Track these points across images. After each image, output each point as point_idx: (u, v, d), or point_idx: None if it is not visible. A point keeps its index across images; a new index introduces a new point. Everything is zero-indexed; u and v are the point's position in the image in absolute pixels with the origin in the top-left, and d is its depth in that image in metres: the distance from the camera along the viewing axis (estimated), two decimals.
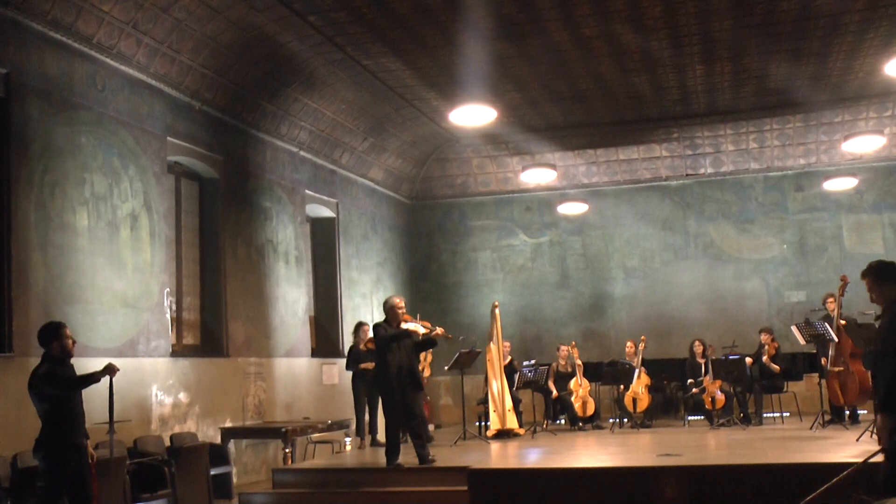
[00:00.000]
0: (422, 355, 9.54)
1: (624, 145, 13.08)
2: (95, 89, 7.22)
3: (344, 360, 10.33)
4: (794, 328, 8.96)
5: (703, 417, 10.33)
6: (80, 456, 5.10)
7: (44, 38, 6.67)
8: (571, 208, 12.95)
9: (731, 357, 9.97)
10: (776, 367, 10.13)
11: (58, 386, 5.11)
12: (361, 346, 9.30)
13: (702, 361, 10.37)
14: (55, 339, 5.20)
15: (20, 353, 6.18)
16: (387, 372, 7.01)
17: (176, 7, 7.53)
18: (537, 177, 12.25)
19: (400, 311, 7.20)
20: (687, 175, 13.22)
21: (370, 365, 8.87)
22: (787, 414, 10.77)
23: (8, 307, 6.21)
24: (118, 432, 5.83)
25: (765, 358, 10.14)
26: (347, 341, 11.06)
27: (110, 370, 5.13)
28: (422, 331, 7.37)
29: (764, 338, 10.37)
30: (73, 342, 5.25)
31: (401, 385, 6.97)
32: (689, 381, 10.43)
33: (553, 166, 11.95)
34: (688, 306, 12.92)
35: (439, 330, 7.34)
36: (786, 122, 12.50)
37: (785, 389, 10.37)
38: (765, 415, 10.25)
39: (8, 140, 6.39)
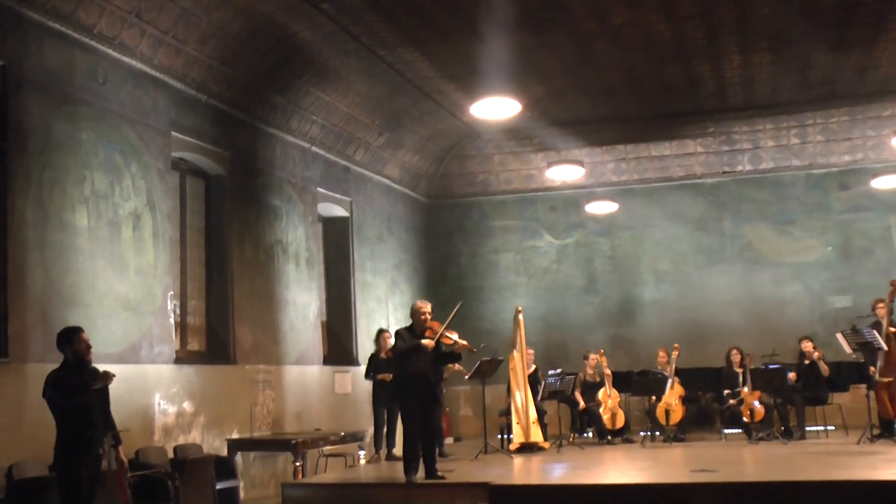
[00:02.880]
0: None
1: (655, 141, 13.05)
2: (97, 82, 7.24)
3: (358, 368, 10.38)
4: (839, 336, 8.86)
5: (740, 431, 10.26)
6: (94, 465, 5.07)
7: (42, 28, 6.70)
8: (599, 208, 12.89)
9: (770, 366, 9.88)
10: (826, 368, 9.95)
11: (58, 393, 5.13)
12: (382, 355, 9.33)
13: (739, 371, 10.30)
14: (68, 343, 5.28)
15: (16, 359, 6.21)
16: (405, 383, 6.99)
17: None
18: (563, 174, 12.20)
19: (423, 318, 7.15)
20: (723, 173, 13.14)
21: (388, 376, 8.88)
22: (832, 428, 10.66)
23: (4, 310, 6.24)
24: (122, 439, 5.78)
25: (816, 355, 9.96)
26: (361, 347, 11.15)
27: (105, 378, 5.13)
28: (452, 338, 7.26)
29: (806, 345, 10.23)
30: (89, 347, 5.30)
31: (419, 397, 6.95)
32: (726, 391, 10.36)
33: (580, 163, 11.90)
34: (723, 312, 12.82)
35: (463, 344, 7.24)
36: (830, 116, 12.38)
37: (829, 401, 10.26)
38: (807, 428, 10.14)
39: (5, 136, 6.42)
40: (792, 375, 9.99)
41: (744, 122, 12.55)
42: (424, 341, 7.00)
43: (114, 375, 5.21)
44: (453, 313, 7.22)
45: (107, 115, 7.31)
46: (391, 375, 8.76)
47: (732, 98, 11.83)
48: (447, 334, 7.18)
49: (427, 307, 7.23)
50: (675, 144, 13.07)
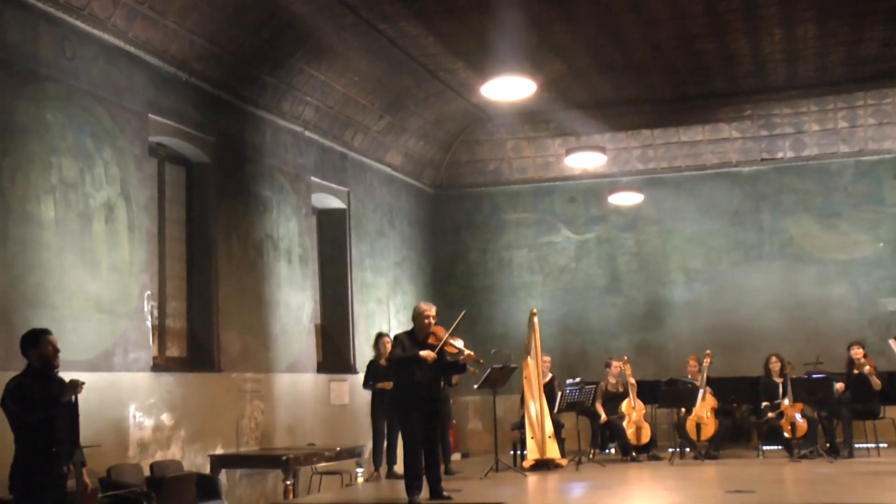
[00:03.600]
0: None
1: (686, 125, 12.99)
2: (64, 58, 7.18)
3: (356, 377, 10.36)
4: (892, 342, 8.81)
5: (780, 447, 10.29)
6: (58, 487, 4.99)
7: None
8: (623, 199, 12.88)
9: (814, 376, 9.90)
10: (878, 382, 9.85)
11: (19, 404, 5.03)
12: (382, 361, 9.38)
13: (779, 381, 10.31)
14: (33, 346, 5.21)
15: None
16: (405, 394, 7.01)
17: None
18: (583, 162, 12.21)
19: (427, 322, 7.14)
20: (762, 160, 13.08)
21: (388, 385, 8.86)
22: (884, 445, 10.62)
23: None
24: (87, 460, 5.71)
25: (867, 368, 9.86)
26: (359, 354, 11.14)
27: (73, 387, 5.02)
28: (457, 346, 7.21)
29: (856, 352, 10.14)
30: (56, 350, 5.22)
31: (421, 409, 6.98)
32: (764, 403, 10.36)
33: (602, 149, 11.89)
34: (761, 315, 12.78)
35: (469, 353, 7.19)
36: (883, 97, 12.28)
37: (881, 415, 10.20)
38: (856, 445, 10.12)
39: None
40: (839, 386, 9.95)
41: (785, 103, 12.47)
42: (423, 353, 6.96)
43: (83, 384, 5.11)
44: (456, 322, 7.21)
45: (76, 94, 7.25)
46: (391, 384, 8.73)
47: (773, 77, 11.75)
48: (451, 342, 7.15)
49: (431, 310, 7.22)
50: (708, 129, 13.01)
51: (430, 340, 7.15)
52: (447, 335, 7.13)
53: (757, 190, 13.06)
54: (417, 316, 7.20)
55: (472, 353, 7.18)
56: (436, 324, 7.24)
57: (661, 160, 13.38)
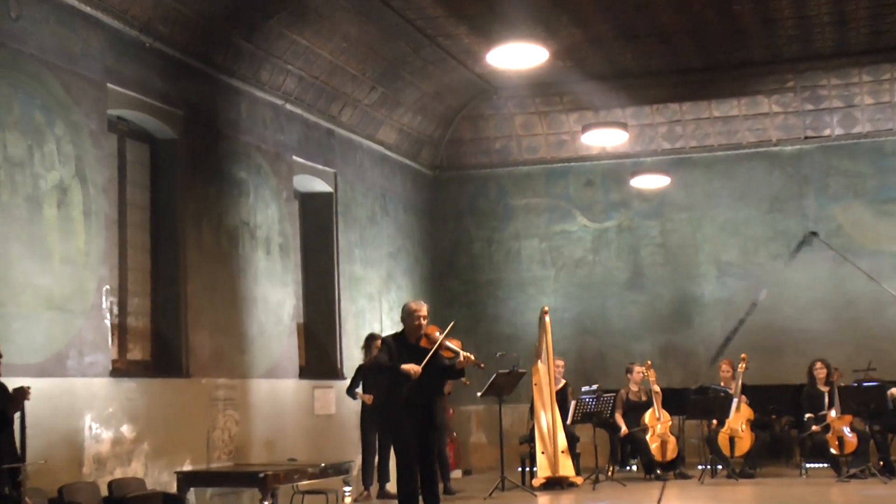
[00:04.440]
0: None
1: (719, 98, 12.96)
2: (8, 18, 7.11)
3: (343, 384, 10.37)
4: None
5: (826, 465, 10.32)
6: None
7: None
8: (647, 182, 12.86)
9: (865, 384, 9.93)
10: None
11: None
12: None
13: (825, 389, 10.34)
14: None
15: None
16: (395, 403, 7.05)
17: None
18: (602, 140, 12.21)
19: (417, 323, 7.17)
20: (806, 138, 13.05)
21: (368, 398, 9.08)
22: None
23: None
24: (34, 478, 5.68)
25: None
26: (347, 357, 11.13)
27: (20, 397, 4.96)
28: (453, 348, 7.22)
29: None
30: None
31: (413, 421, 7.01)
32: (808, 415, 10.40)
33: (623, 126, 11.87)
34: (805, 315, 12.77)
35: (466, 356, 7.15)
36: None
37: None
38: None
39: None
40: (893, 392, 9.87)
41: (833, 73, 12.43)
42: (405, 367, 6.96)
43: (28, 390, 5.05)
44: (447, 331, 7.21)
45: (22, 60, 7.19)
46: (370, 398, 8.74)
47: (819, 43, 11.70)
48: (447, 344, 7.14)
49: (422, 309, 7.24)
50: (744, 103, 12.95)
51: (423, 343, 7.15)
52: (442, 337, 7.11)
53: (800, 172, 13.03)
54: (407, 316, 7.23)
55: (472, 356, 7.15)
56: (429, 324, 7.25)
57: (691, 138, 13.34)
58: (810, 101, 12.80)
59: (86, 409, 7.52)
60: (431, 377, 7.15)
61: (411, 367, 6.94)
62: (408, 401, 7.03)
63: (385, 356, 7.05)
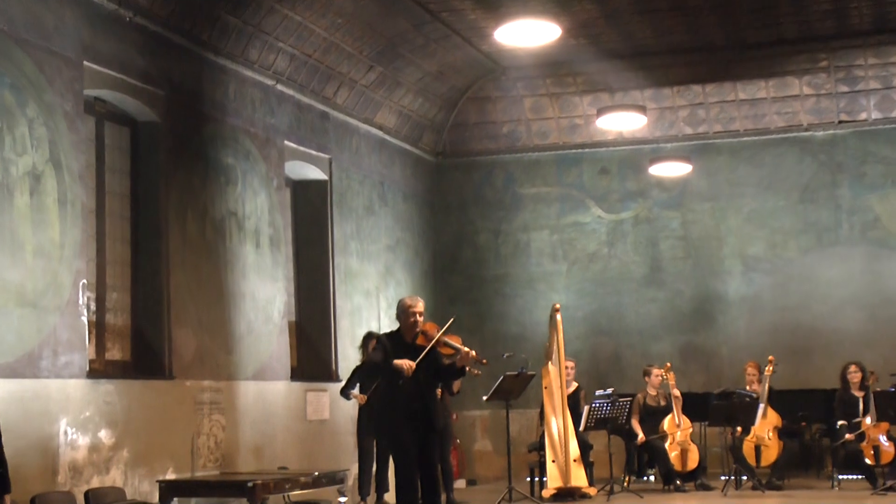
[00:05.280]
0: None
1: (746, 79, 12.94)
2: None
3: (337, 386, 10.41)
4: None
5: (860, 477, 10.33)
6: None
7: None
8: (667, 170, 12.89)
9: None
10: None
11: None
12: None
13: (860, 395, 10.34)
14: None
15: None
16: (392, 407, 7.03)
17: None
18: (619, 124, 12.27)
19: (413, 320, 7.19)
20: (840, 122, 13.04)
21: (362, 398, 9.11)
22: None
23: None
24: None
25: None
26: (343, 358, 11.13)
27: None
28: (453, 345, 7.23)
29: None
30: None
31: (412, 426, 7.02)
32: (841, 422, 10.41)
33: (641, 109, 11.89)
34: (838, 314, 12.77)
35: (467, 351, 7.17)
36: None
37: None
38: None
39: None
40: None
41: (871, 51, 12.39)
42: (398, 362, 6.96)
43: None
44: (445, 326, 7.24)
45: None
46: (364, 398, 8.77)
47: (855, 18, 11.65)
48: (446, 341, 7.16)
49: (418, 305, 7.26)
50: (773, 84, 12.93)
51: (419, 342, 7.17)
52: (439, 333, 7.13)
53: (833, 159, 13.03)
54: (402, 313, 7.25)
55: (473, 352, 7.18)
56: (426, 321, 7.28)
57: (714, 122, 13.33)
58: (845, 83, 12.76)
59: (60, 413, 7.50)
60: (430, 377, 7.17)
61: (404, 363, 6.93)
62: (405, 404, 7.04)
63: (379, 355, 7.07)
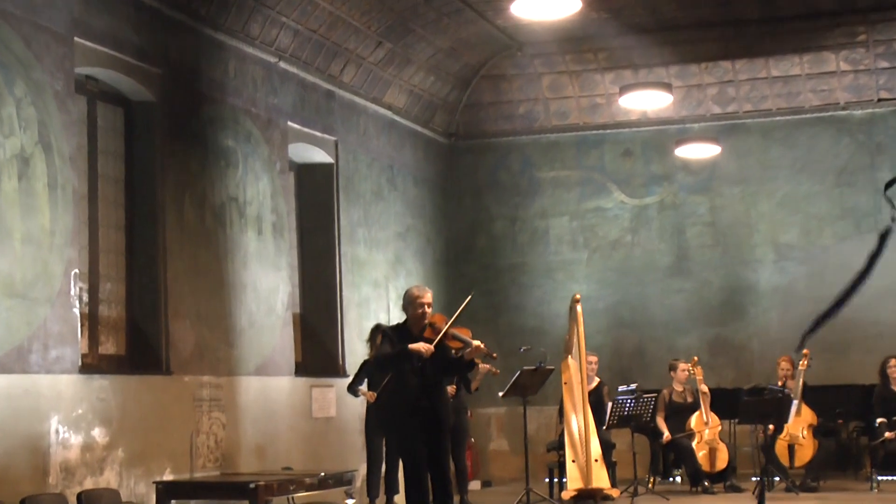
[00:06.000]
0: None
1: (779, 54, 12.90)
2: None
3: (345, 382, 10.41)
4: None
5: None
6: None
7: None
8: (695, 152, 12.87)
9: None
10: None
11: None
12: None
13: None
14: None
15: None
16: (399, 404, 7.09)
17: None
18: (643, 103, 12.21)
19: (421, 311, 7.19)
20: (879, 101, 13.00)
21: (371, 396, 9.10)
22: None
23: None
24: None
25: None
26: (350, 352, 11.16)
27: None
28: (462, 339, 7.25)
29: None
30: None
31: (420, 425, 7.02)
32: (880, 420, 10.41)
33: (667, 87, 11.86)
34: (877, 305, 12.46)
35: (477, 345, 7.15)
36: None
37: None
38: None
39: None
40: None
41: None
42: (414, 345, 6.96)
43: None
44: (461, 308, 7.28)
45: None
46: (374, 395, 8.80)
47: None
48: (454, 333, 7.17)
49: (426, 295, 7.27)
50: (807, 60, 12.90)
51: (427, 334, 7.17)
52: (448, 325, 7.15)
53: (872, 139, 12.99)
54: (409, 304, 7.26)
55: (482, 345, 7.16)
56: (434, 313, 7.31)
57: (745, 101, 13.29)
58: (885, 58, 12.72)
59: (51, 410, 7.51)
60: (438, 372, 7.18)
61: (421, 346, 6.93)
62: (412, 400, 7.05)
63: (387, 347, 7.12)
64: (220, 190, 9.52)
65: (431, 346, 6.97)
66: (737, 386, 11.76)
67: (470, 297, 7.47)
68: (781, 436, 10.36)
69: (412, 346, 6.97)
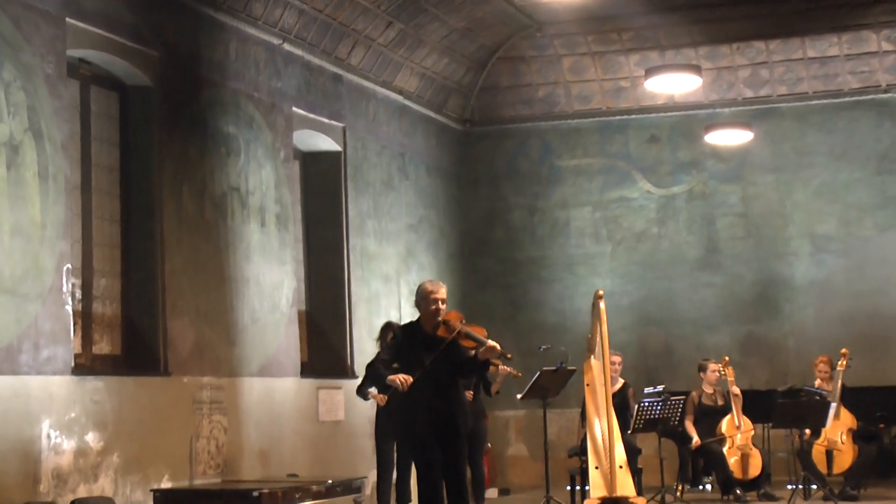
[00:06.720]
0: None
1: (814, 34, 12.92)
2: None
3: (353, 383, 10.39)
4: None
5: None
6: None
7: None
8: (725, 138, 12.87)
9: None
10: None
11: None
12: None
13: None
14: None
15: None
16: (410, 407, 7.07)
17: None
18: (670, 86, 12.15)
19: (434, 308, 7.19)
20: None
21: (382, 398, 9.04)
22: None
23: None
24: None
25: None
26: (359, 352, 11.18)
27: None
28: (476, 338, 7.22)
29: None
30: None
31: (433, 430, 7.04)
32: None
33: (696, 69, 11.79)
34: None
35: (492, 345, 7.14)
36: None
37: None
38: None
39: None
40: None
41: None
42: (391, 378, 7.08)
43: None
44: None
45: None
46: (385, 398, 8.82)
47: None
48: (468, 332, 7.16)
49: (440, 291, 7.26)
50: (846, 39, 12.89)
51: (440, 332, 7.15)
52: (462, 324, 7.14)
53: None
54: (422, 300, 7.25)
55: (496, 345, 7.15)
56: (449, 310, 7.30)
57: (779, 84, 13.28)
58: None
59: (43, 413, 7.52)
60: (451, 373, 7.18)
61: (398, 378, 7.01)
62: (426, 404, 7.04)
63: (388, 355, 7.13)
64: (221, 179, 9.52)
65: (410, 379, 7.00)
66: (771, 387, 11.78)
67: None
68: (819, 441, 10.35)
69: (390, 378, 7.08)
